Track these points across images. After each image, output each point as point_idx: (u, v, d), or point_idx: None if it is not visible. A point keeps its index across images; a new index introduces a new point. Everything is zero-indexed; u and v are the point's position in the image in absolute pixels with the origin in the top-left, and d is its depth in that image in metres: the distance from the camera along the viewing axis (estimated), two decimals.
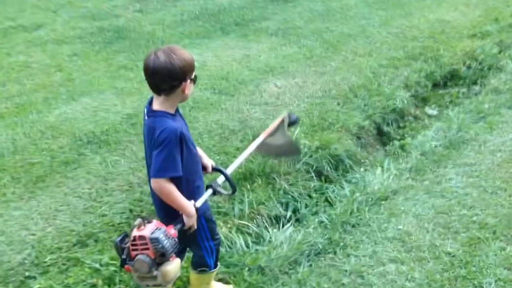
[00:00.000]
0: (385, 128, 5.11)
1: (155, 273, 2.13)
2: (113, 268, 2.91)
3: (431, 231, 3.12)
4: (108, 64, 6.07)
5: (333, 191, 3.87)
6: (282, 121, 3.62)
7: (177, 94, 2.34)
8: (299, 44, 6.70)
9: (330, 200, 3.80)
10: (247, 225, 3.46)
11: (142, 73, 2.37)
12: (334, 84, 5.48)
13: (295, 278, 2.89)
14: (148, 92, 2.45)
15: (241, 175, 3.85)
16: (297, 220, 3.66)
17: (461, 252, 2.87)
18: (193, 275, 2.76)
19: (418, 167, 4.04)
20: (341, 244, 3.14)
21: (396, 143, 4.89)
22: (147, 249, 2.13)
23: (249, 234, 3.41)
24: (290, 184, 3.89)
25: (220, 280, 2.99)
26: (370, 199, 3.61)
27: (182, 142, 2.32)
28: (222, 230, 3.37)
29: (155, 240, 2.11)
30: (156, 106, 2.37)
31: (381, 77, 5.77)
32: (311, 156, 4.17)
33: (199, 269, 2.69)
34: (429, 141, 4.54)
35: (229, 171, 2.95)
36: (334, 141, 4.37)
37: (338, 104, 5.09)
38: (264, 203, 3.67)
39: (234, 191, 2.67)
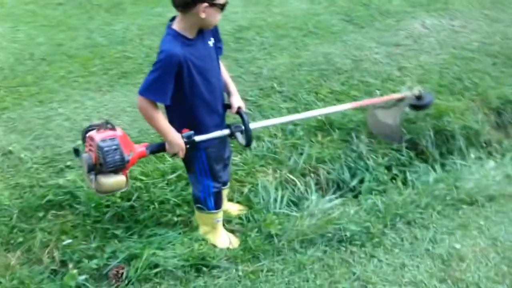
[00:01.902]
0: None
1: (91, 177, 2.12)
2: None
3: (492, 265, 2.35)
4: None
5: (416, 172, 3.17)
6: (402, 99, 3.07)
7: (193, 16, 2.11)
8: None
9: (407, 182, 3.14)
10: (295, 182, 3.09)
11: None
12: (503, 37, 4.33)
13: (298, 259, 2.50)
14: None
15: (319, 123, 3.38)
16: (359, 193, 3.13)
17: None
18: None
19: None
20: (375, 240, 2.59)
21: None
22: (92, 151, 2.11)
23: (292, 193, 3.04)
24: (371, 150, 3.29)
25: (233, 231, 2.77)
26: (450, 197, 2.87)
27: (181, 71, 2.13)
28: (267, 178, 3.07)
29: (99, 148, 2.07)
30: (174, 24, 2.18)
31: None
32: (414, 122, 3.44)
33: (197, 205, 2.54)
34: None
35: (258, 124, 2.63)
36: (455, 111, 3.51)
37: (494, 64, 4.03)
38: (326, 162, 3.20)
39: (247, 144, 2.40)
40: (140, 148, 2.23)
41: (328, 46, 4.14)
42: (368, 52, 4.06)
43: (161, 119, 2.20)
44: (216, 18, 2.16)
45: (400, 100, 3.14)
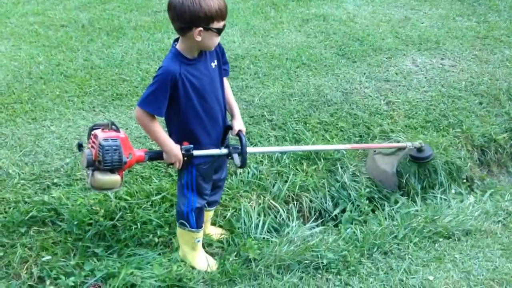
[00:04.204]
0: None
1: (88, 171, 2.22)
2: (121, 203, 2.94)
3: None
4: None
5: (395, 204, 3.22)
6: (403, 148, 3.15)
7: (190, 38, 2.22)
8: (483, 18, 5.53)
9: (388, 213, 3.19)
10: (277, 208, 3.14)
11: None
12: (491, 77, 4.43)
13: (274, 284, 2.54)
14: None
15: (305, 152, 3.44)
16: (340, 222, 3.18)
17: None
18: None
19: None
20: (351, 268, 2.63)
21: None
22: (94, 148, 2.21)
23: (274, 219, 3.09)
24: (355, 180, 3.36)
25: (212, 254, 2.81)
26: (428, 230, 2.91)
27: (177, 87, 2.24)
28: (250, 203, 3.12)
29: (100, 147, 2.17)
30: (178, 43, 2.30)
31: None
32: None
33: (179, 221, 2.59)
34: None
35: (256, 149, 2.71)
36: (438, 146, 3.58)
37: (480, 103, 4.12)
38: (310, 190, 3.25)
39: (241, 166, 2.50)
40: (139, 153, 2.33)
41: (320, 78, 4.24)
42: (358, 86, 4.16)
43: (158, 129, 2.29)
44: (212, 41, 2.25)
45: (401, 149, 3.23)
